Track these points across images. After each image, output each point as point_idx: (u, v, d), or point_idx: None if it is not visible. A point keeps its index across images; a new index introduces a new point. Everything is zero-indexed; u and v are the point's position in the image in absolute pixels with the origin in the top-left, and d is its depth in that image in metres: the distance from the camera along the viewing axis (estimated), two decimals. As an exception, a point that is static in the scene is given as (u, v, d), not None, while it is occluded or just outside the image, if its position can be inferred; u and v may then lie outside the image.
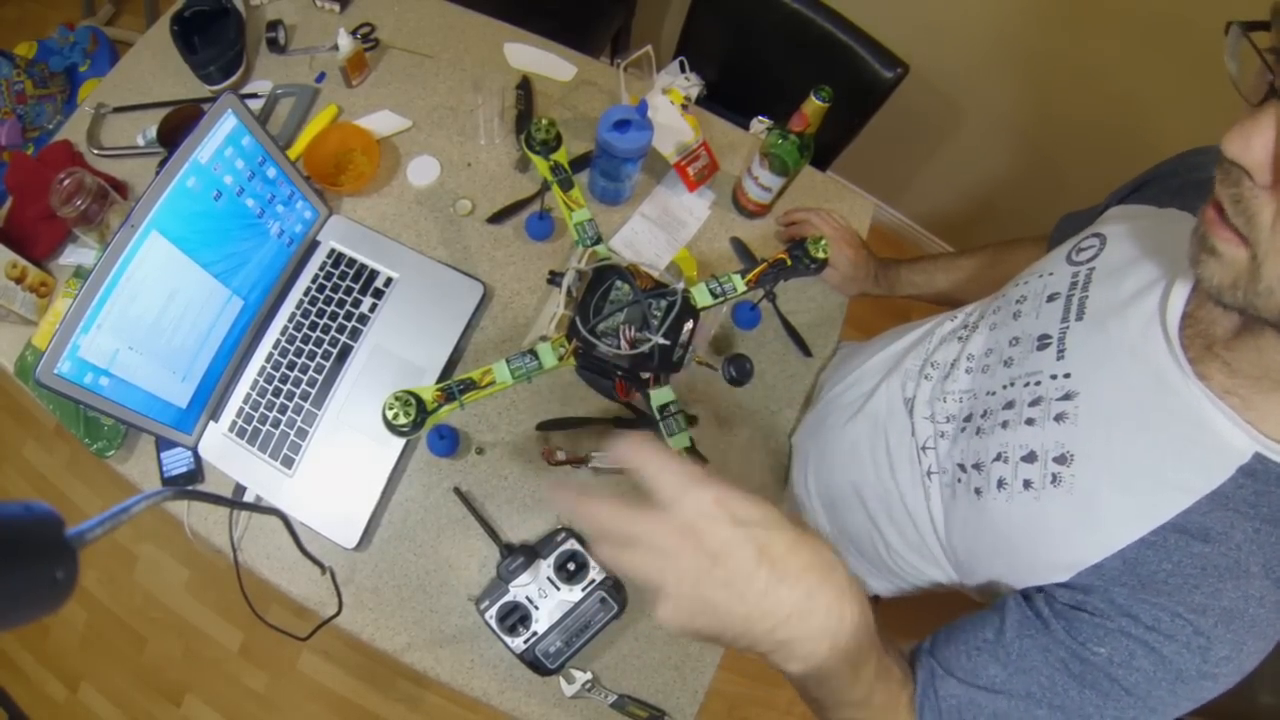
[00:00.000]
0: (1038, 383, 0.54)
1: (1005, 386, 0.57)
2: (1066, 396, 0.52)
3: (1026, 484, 0.52)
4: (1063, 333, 0.55)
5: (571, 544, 0.80)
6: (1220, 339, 0.46)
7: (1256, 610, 0.44)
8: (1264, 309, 0.39)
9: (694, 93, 1.10)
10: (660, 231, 1.00)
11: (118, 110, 1.02)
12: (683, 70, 1.12)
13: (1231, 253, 0.39)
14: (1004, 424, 0.55)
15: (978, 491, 0.56)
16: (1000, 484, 0.54)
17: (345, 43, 0.98)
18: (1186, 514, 0.45)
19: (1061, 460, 0.50)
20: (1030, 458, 0.52)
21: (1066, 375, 0.53)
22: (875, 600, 0.85)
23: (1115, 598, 0.46)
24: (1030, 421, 0.53)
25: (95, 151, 0.98)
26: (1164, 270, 0.52)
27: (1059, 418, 0.52)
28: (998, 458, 0.55)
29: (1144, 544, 0.46)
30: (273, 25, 1.06)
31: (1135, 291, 0.52)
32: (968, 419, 0.60)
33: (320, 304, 0.89)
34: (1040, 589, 0.51)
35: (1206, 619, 0.44)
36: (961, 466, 0.59)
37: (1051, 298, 0.58)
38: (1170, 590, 0.45)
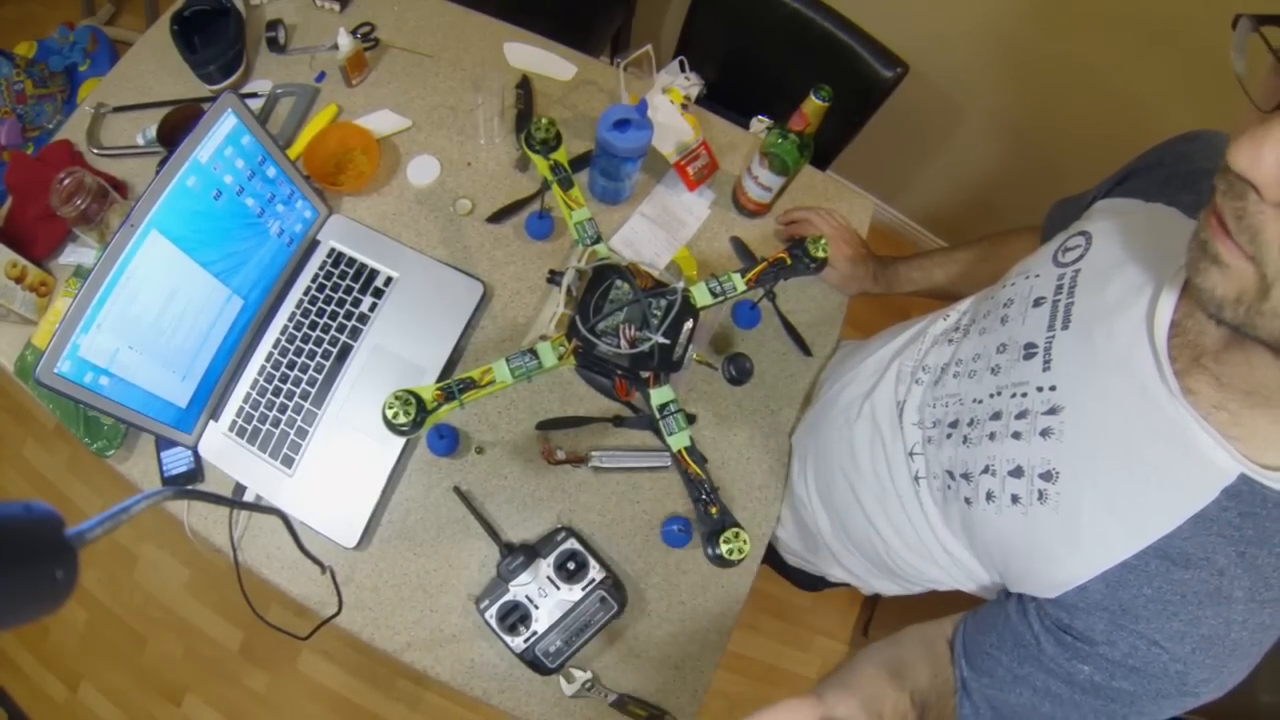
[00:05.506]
0: (1024, 394, 0.54)
1: (992, 395, 0.56)
2: (1052, 410, 0.51)
3: (1014, 499, 0.52)
4: (1049, 342, 0.54)
5: (571, 543, 0.80)
6: (1209, 350, 0.44)
7: (1238, 634, 0.43)
8: (1264, 330, 0.36)
9: (694, 92, 1.10)
10: (660, 231, 1.00)
11: (118, 110, 1.02)
12: (683, 70, 1.12)
13: (1239, 265, 0.36)
14: (991, 435, 0.55)
15: (967, 501, 0.56)
16: (989, 497, 0.54)
17: (345, 42, 0.98)
18: (1169, 538, 0.44)
19: (1047, 477, 0.50)
20: (1017, 472, 0.52)
21: (1053, 388, 0.52)
22: (875, 599, 0.85)
23: (1095, 625, 0.47)
24: (1017, 435, 0.53)
25: (95, 151, 0.98)
26: (1151, 274, 0.50)
27: (1045, 433, 0.51)
28: (985, 470, 0.54)
29: (1126, 567, 0.46)
30: (273, 25, 1.06)
31: (1121, 297, 0.51)
32: (954, 425, 0.60)
33: (320, 303, 0.89)
34: (1034, 598, 0.52)
35: (1184, 645, 0.44)
36: (950, 474, 0.58)
37: (1038, 302, 0.57)
38: (1149, 617, 0.45)
